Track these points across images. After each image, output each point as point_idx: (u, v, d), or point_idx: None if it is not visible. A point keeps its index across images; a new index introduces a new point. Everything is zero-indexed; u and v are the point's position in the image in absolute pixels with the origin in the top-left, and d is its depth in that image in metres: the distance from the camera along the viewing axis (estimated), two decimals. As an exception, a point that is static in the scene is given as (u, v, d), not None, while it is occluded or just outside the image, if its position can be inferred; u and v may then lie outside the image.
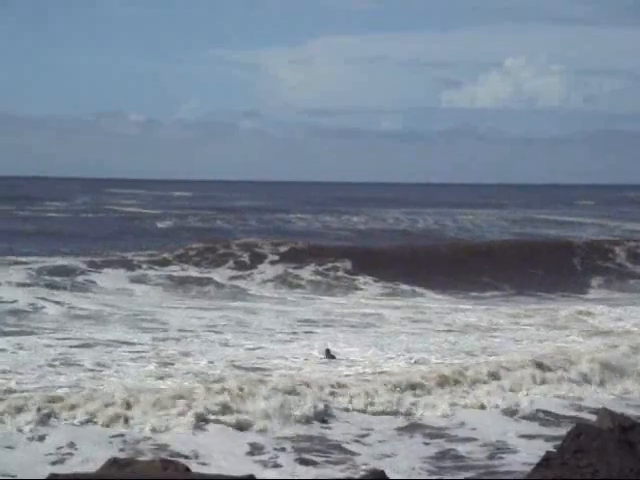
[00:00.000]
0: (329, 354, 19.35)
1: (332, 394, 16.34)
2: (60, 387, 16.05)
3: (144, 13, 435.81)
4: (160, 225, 57.64)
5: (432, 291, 33.30)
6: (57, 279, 30.65)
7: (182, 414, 14.88)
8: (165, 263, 34.74)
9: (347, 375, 17.85)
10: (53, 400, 14.91)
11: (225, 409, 15.27)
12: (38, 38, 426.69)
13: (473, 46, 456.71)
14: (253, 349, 20.51)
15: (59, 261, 33.65)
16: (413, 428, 15.47)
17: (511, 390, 17.67)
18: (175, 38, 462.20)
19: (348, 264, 35.70)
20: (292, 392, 15.97)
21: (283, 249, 37.31)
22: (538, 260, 38.82)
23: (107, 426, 14.46)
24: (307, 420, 15.37)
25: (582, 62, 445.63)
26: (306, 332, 23.11)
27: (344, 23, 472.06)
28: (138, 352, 19.57)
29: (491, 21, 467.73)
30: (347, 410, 16.00)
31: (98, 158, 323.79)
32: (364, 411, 16.07)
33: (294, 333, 22.96)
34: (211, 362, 18.73)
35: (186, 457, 13.29)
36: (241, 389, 15.82)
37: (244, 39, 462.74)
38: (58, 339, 21.05)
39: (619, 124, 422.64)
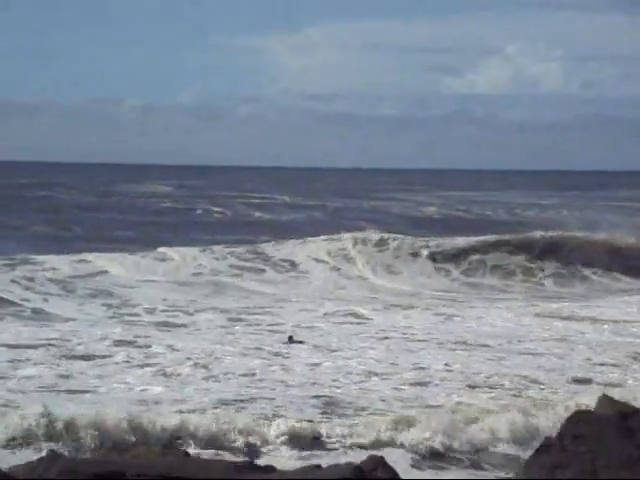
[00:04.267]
0: (292, 340, 18.91)
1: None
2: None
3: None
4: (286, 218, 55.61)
5: None
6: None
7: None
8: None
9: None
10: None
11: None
12: (39, 24, 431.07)
13: (473, 32, 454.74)
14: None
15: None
16: None
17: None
18: (176, 24, 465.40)
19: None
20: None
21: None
22: None
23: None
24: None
25: (582, 48, 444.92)
26: None
27: (344, 9, 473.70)
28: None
29: (491, 7, 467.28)
30: None
31: (97, 142, 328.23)
32: None
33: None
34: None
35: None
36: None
37: (244, 25, 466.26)
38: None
39: (618, 110, 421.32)
